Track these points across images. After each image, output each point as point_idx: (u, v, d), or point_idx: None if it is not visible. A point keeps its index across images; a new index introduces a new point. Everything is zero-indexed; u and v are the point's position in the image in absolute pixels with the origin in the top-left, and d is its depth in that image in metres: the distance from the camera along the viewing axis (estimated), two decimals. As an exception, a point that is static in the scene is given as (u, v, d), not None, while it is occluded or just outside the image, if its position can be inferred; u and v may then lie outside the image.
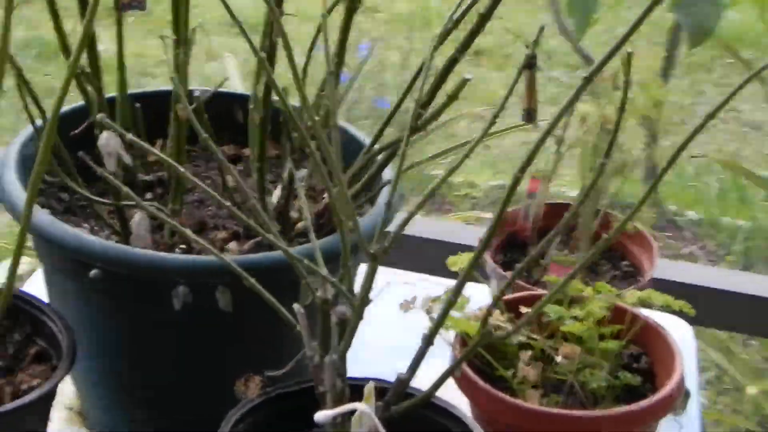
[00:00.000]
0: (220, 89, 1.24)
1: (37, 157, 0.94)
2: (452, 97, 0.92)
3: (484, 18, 1.02)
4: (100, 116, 0.82)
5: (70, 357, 0.99)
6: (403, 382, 0.90)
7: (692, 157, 3.37)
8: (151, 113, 1.19)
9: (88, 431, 1.17)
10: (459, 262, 1.17)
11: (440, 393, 0.93)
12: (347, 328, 0.87)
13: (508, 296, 1.15)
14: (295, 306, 0.88)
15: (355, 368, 0.91)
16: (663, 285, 1.42)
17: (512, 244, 1.37)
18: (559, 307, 1.08)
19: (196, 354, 1.07)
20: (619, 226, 0.93)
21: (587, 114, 1.28)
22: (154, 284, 0.99)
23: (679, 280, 1.52)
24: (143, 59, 4.06)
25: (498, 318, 1.09)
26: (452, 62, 1.05)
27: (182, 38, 1.15)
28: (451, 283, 1.39)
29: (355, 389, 0.90)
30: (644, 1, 0.81)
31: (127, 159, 0.79)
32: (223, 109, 1.24)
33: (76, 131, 1.09)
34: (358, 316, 0.87)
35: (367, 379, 0.93)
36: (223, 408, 0.91)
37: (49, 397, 0.98)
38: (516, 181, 0.90)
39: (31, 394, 0.95)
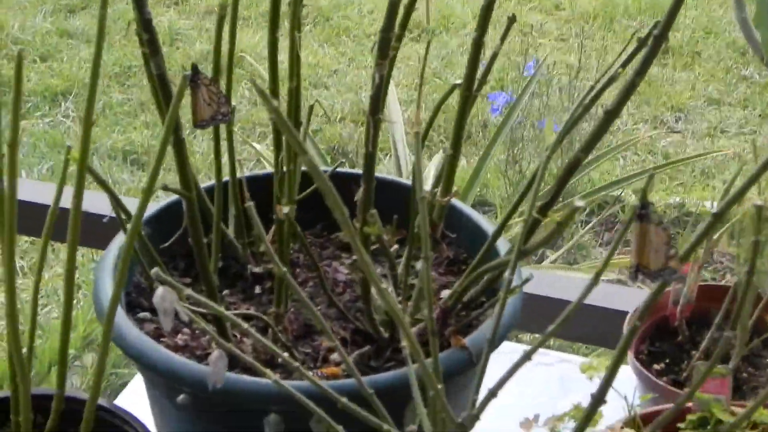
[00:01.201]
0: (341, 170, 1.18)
1: (119, 271, 0.87)
2: (562, 224, 0.81)
3: (611, 114, 0.90)
4: (154, 271, 0.74)
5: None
6: None
7: None
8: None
9: None
10: (592, 368, 1.05)
11: None
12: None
13: (645, 410, 1.03)
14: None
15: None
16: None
17: (662, 331, 1.23)
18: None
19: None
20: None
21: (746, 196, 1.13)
22: (244, 411, 0.92)
23: None
24: (318, 69, 4.02)
25: (631, 438, 0.98)
26: (575, 163, 0.93)
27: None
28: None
29: None
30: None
31: (185, 317, 0.71)
32: (341, 189, 1.15)
33: (167, 244, 1.03)
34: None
35: None
36: None
37: None
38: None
39: None
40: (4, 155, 0.84)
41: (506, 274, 0.82)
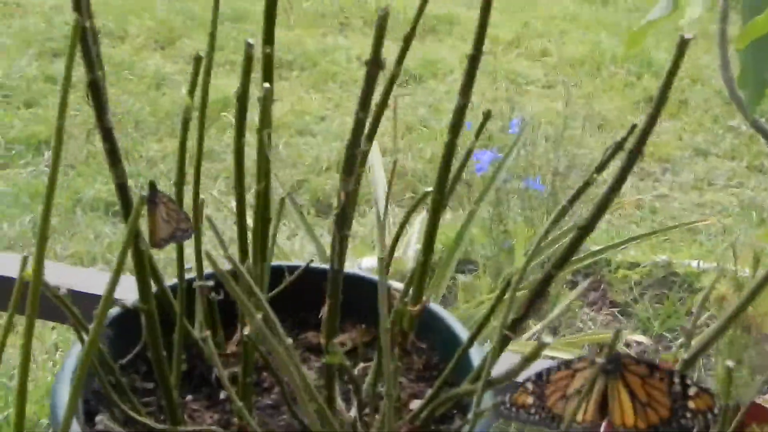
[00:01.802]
0: (312, 265, 1.14)
1: (74, 383, 0.83)
2: (529, 359, 0.77)
3: (584, 230, 0.86)
4: (99, 419, 0.70)
5: None
6: None
7: None
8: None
9: None
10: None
11: None
12: None
13: None
14: None
15: None
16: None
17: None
18: None
19: None
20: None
21: (724, 295, 1.10)
22: None
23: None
24: (304, 116, 3.99)
25: None
26: (548, 278, 0.89)
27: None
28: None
29: None
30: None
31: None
32: (313, 285, 1.11)
33: (124, 360, 0.98)
34: None
35: None
36: None
37: None
38: None
39: None
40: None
41: (473, 406, 0.79)
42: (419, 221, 2.58)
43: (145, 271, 0.91)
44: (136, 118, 3.86)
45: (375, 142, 2.94)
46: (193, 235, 0.94)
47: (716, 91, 4.49)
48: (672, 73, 0.76)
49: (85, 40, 0.83)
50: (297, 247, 2.90)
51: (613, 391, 0.69)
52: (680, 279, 2.92)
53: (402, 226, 1.04)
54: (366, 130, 0.89)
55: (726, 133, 4.17)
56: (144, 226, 0.93)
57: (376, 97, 0.97)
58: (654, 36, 4.85)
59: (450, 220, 3.20)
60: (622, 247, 2.25)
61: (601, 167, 0.95)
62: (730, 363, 0.67)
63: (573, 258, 2.42)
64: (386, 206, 1.25)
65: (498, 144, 3.30)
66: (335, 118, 4.05)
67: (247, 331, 0.86)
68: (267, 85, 0.99)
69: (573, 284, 2.85)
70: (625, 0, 5.49)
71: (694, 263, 2.95)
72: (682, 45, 0.75)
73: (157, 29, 4.59)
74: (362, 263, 2.55)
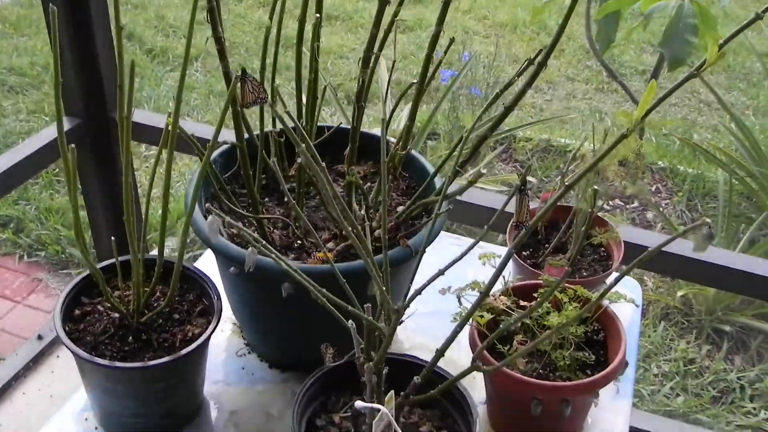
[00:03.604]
0: (342, 126, 1.06)
1: (193, 186, 0.77)
2: (471, 182, 0.70)
3: (508, 109, 0.79)
4: (207, 206, 0.64)
5: (218, 316, 0.85)
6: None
7: (664, 134, 3.01)
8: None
9: (244, 339, 1.02)
10: (486, 257, 0.96)
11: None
12: (383, 342, 0.68)
13: (516, 284, 0.94)
14: (349, 322, 0.69)
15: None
16: (633, 247, 1.21)
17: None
18: (544, 306, 0.86)
19: (294, 320, 0.90)
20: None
21: (585, 154, 1.03)
22: (270, 280, 0.82)
23: (643, 244, 1.27)
24: (342, 48, 3.83)
25: (504, 302, 0.89)
26: (482, 139, 0.82)
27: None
28: (490, 247, 1.18)
29: (394, 363, 0.72)
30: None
31: (223, 233, 0.62)
32: (342, 138, 1.03)
33: (227, 175, 0.92)
34: (392, 332, 0.69)
35: (404, 356, 0.75)
36: (307, 349, 0.76)
37: (206, 342, 0.84)
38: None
39: (198, 340, 0.82)
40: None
41: (436, 209, 0.72)
42: (407, 110, 2.48)
43: (240, 123, 0.83)
44: (246, 46, 3.70)
45: (383, 62, 2.80)
46: (268, 102, 0.86)
47: (580, 45, 4.30)
48: (565, 20, 0.68)
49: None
50: (335, 120, 2.81)
51: (520, 202, 0.63)
52: (554, 148, 2.83)
53: (397, 103, 0.96)
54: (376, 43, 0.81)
55: (585, 69, 4.01)
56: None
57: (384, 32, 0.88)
58: (548, 12, 4.62)
59: (425, 110, 3.09)
60: (523, 128, 2.16)
61: (519, 73, 0.86)
62: (596, 187, 0.60)
63: (496, 132, 2.33)
64: (387, 97, 1.15)
65: (455, 67, 3.16)
66: (360, 50, 3.87)
67: (299, 160, 0.79)
68: (318, 15, 0.90)
69: (494, 148, 2.76)
70: (532, -11, 5.23)
71: (562, 140, 2.86)
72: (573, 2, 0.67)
73: (262, -6, 4.36)
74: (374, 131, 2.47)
